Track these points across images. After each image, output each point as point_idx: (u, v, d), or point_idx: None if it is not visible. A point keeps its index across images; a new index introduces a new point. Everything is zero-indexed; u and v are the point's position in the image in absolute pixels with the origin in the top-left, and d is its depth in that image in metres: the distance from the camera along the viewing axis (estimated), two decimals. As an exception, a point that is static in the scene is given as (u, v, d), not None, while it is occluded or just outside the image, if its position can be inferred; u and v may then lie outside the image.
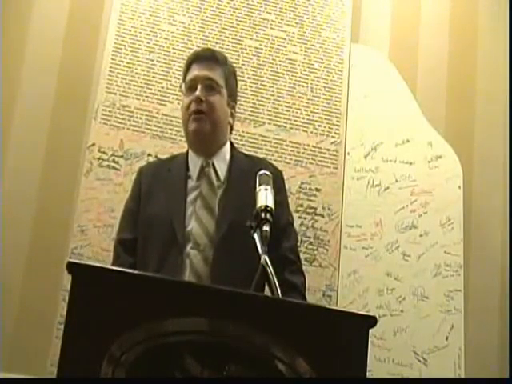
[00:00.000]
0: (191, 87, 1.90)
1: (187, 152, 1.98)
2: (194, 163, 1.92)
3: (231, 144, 2.01)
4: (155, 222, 1.84)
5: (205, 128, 1.87)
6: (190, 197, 1.85)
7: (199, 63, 1.93)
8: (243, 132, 2.94)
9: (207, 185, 1.87)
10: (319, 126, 3.08)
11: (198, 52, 2.03)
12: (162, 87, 2.95)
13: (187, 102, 1.89)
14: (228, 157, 1.95)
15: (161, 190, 1.89)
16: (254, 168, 1.76)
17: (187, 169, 1.92)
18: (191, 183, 1.88)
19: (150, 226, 1.85)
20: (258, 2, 3.15)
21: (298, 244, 2.13)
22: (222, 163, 1.93)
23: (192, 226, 1.80)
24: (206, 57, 1.95)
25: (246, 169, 1.90)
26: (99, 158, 2.81)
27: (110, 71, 2.91)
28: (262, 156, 2.83)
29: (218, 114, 1.89)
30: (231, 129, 2.03)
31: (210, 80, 1.90)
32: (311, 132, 3.07)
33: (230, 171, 1.92)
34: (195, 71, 1.92)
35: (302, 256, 2.79)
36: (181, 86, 1.99)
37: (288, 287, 1.72)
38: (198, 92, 1.87)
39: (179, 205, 1.83)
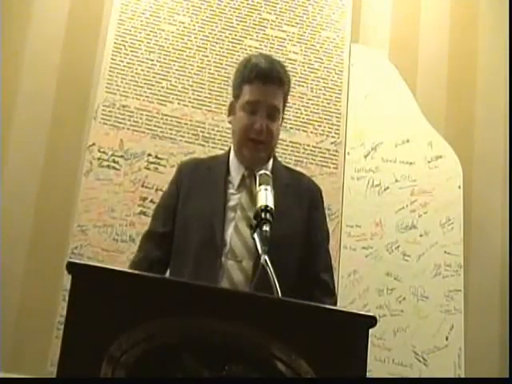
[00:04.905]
0: (252, 109, 1.82)
1: (228, 153, 1.93)
2: (236, 170, 1.88)
3: (273, 155, 1.98)
4: (194, 221, 1.81)
5: (260, 157, 1.86)
6: (230, 203, 1.82)
7: (263, 83, 1.82)
8: (243, 132, 2.93)
9: (247, 195, 1.83)
10: (319, 126, 3.08)
11: (262, 68, 1.84)
12: (162, 87, 2.95)
13: (247, 123, 1.83)
14: (270, 167, 1.90)
15: (200, 189, 1.86)
16: (295, 184, 1.87)
17: (228, 172, 1.88)
18: (231, 189, 1.85)
19: (189, 224, 1.82)
20: (257, 2, 3.14)
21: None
22: None
23: (230, 234, 1.77)
24: (272, 77, 1.83)
25: (286, 183, 1.87)
26: (99, 158, 2.81)
27: (110, 71, 2.91)
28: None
29: (275, 141, 1.88)
30: None
31: (274, 109, 1.84)
32: (311, 132, 3.07)
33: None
34: (258, 94, 1.82)
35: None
36: (236, 97, 1.88)
37: None
38: (260, 121, 1.81)
39: (219, 208, 1.80)
